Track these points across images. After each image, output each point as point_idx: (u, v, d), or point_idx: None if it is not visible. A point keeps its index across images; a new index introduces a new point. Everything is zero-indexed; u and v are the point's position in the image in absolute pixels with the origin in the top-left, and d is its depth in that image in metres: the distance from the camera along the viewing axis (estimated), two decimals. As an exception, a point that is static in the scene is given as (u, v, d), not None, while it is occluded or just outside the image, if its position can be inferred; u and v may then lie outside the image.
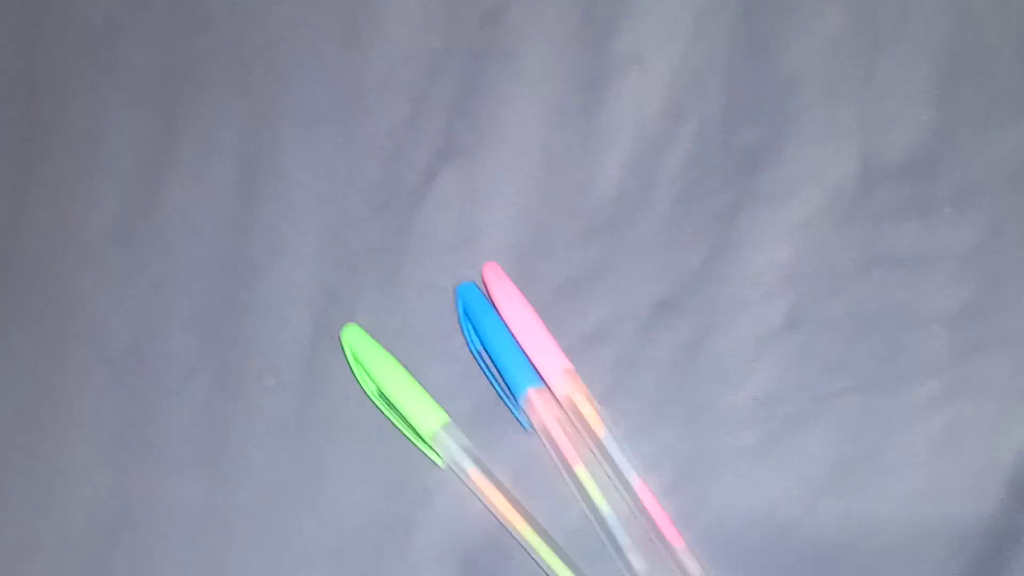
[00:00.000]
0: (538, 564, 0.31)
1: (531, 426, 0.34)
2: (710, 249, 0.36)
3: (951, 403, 0.32)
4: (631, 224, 0.37)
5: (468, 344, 0.35)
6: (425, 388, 0.34)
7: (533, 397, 0.33)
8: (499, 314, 0.35)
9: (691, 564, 0.30)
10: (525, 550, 0.32)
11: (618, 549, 0.31)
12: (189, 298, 0.37)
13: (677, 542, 0.31)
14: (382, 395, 0.34)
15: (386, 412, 0.34)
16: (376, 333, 0.35)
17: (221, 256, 0.37)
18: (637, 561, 0.30)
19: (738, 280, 0.35)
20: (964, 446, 0.32)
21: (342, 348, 0.35)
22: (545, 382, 0.34)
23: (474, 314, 0.35)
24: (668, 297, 0.35)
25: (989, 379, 0.32)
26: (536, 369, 0.34)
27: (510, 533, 0.32)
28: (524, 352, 0.34)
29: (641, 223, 0.37)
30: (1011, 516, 0.30)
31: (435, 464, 0.33)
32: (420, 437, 0.33)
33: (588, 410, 0.33)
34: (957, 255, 0.34)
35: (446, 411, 0.33)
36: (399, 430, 0.34)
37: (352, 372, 0.35)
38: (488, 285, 0.35)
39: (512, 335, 0.34)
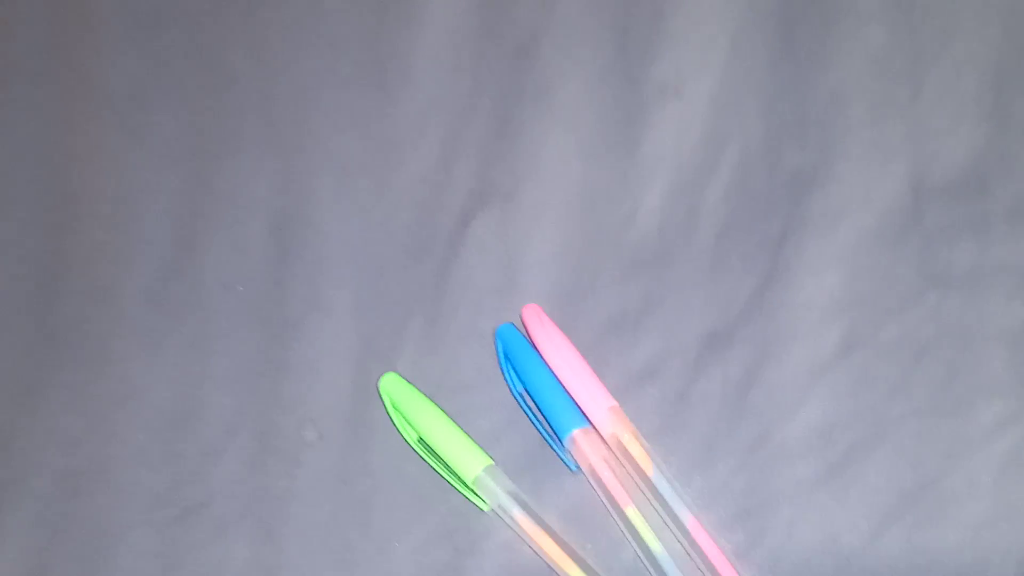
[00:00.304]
0: None
1: (578, 468, 0.37)
2: (759, 279, 0.39)
3: (1014, 425, 0.35)
4: (675, 257, 0.40)
5: (510, 387, 0.39)
6: (469, 435, 0.37)
7: (579, 438, 0.37)
8: (541, 355, 0.38)
9: None
10: None
11: (672, 590, 0.34)
12: (227, 356, 0.41)
13: (734, 580, 0.34)
14: (423, 442, 0.38)
15: (428, 459, 0.38)
16: (417, 382, 0.38)
17: (257, 313, 0.41)
18: (692, 601, 0.34)
19: (789, 309, 0.38)
20: None
21: (380, 397, 0.39)
22: (591, 422, 0.37)
23: (515, 356, 0.39)
24: (717, 330, 0.39)
25: None
26: (581, 409, 0.37)
27: (560, 578, 0.35)
28: (568, 392, 0.38)
29: (686, 255, 0.40)
30: None
31: (481, 510, 0.37)
32: (463, 483, 0.37)
33: (636, 448, 0.36)
34: (1014, 272, 0.37)
35: (492, 457, 0.38)
36: (443, 477, 0.37)
37: (392, 421, 0.39)
38: (528, 326, 0.39)
39: (555, 376, 0.38)
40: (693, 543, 0.34)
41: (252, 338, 0.41)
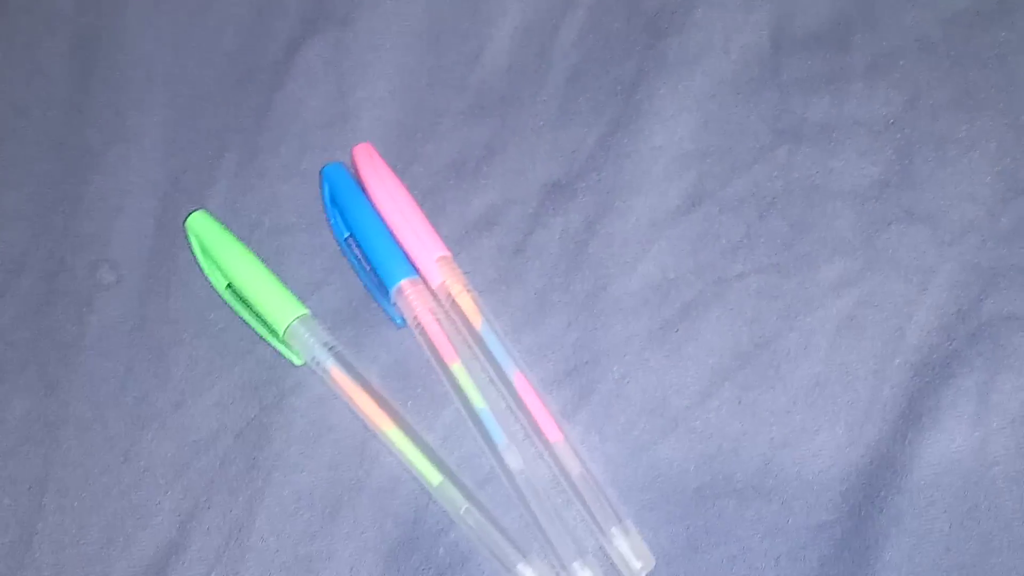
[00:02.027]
0: (406, 468, 0.33)
1: (404, 322, 0.35)
2: (607, 126, 0.37)
3: (855, 285, 0.34)
4: (523, 100, 0.38)
5: (334, 232, 0.36)
6: (286, 283, 0.35)
7: (405, 288, 0.34)
8: (370, 199, 0.36)
9: (569, 459, 0.32)
10: (392, 453, 0.33)
11: (493, 447, 0.32)
12: (15, 188, 0.37)
13: (555, 437, 0.32)
14: (231, 288, 0.35)
15: (236, 308, 0.35)
16: (229, 223, 0.35)
17: (53, 140, 0.38)
18: (512, 459, 0.32)
19: (636, 159, 0.36)
20: (867, 329, 0.33)
21: (187, 238, 0.36)
22: (420, 273, 0.35)
23: (342, 199, 0.36)
24: (560, 179, 0.37)
25: (895, 258, 0.34)
26: (410, 259, 0.35)
27: (376, 436, 0.33)
28: (397, 240, 0.35)
29: (534, 99, 0.38)
30: (914, 400, 0.32)
31: (293, 364, 0.34)
32: (275, 334, 0.34)
33: (465, 301, 0.34)
34: (867, 129, 0.36)
35: (309, 307, 0.34)
36: (252, 328, 0.35)
37: (198, 264, 0.35)
38: (359, 167, 0.36)
39: (384, 222, 0.36)
40: (518, 400, 0.33)
41: (45, 169, 0.37)
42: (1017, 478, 0.31)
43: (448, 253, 0.35)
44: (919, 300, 0.34)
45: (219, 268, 0.35)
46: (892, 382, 0.33)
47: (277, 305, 0.34)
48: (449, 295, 0.34)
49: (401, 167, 0.37)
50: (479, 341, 0.34)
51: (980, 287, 0.34)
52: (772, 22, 0.38)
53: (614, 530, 0.31)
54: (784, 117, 0.37)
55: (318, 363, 0.33)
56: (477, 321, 0.34)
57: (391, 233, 0.35)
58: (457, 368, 0.34)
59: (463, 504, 0.31)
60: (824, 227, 0.35)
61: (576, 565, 0.31)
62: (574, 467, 0.32)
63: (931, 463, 0.31)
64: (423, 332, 0.34)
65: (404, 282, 0.35)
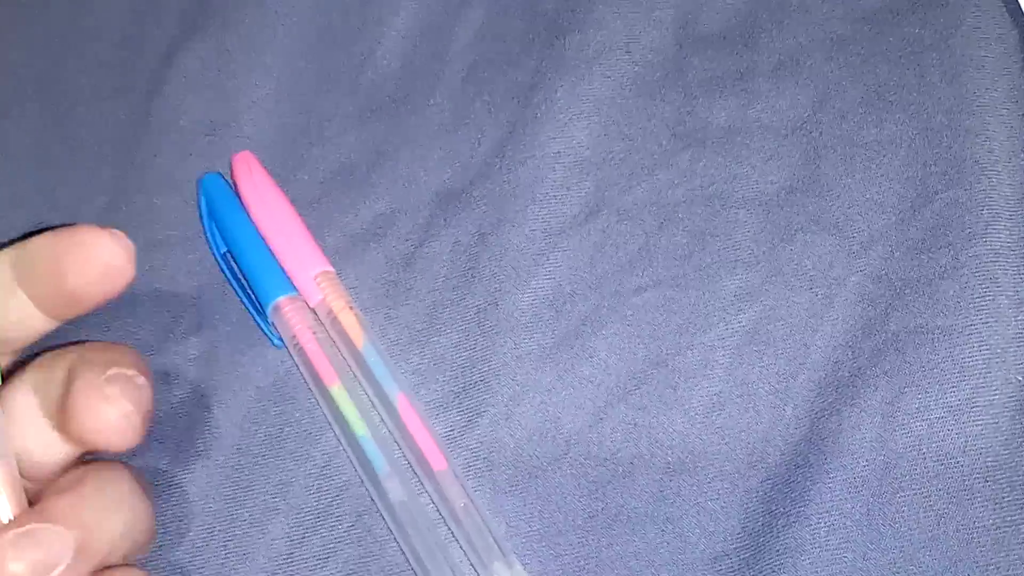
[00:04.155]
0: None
1: (283, 342, 0.33)
2: (503, 130, 0.35)
3: (758, 298, 0.32)
4: (416, 103, 0.36)
5: (211, 247, 0.34)
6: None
7: (283, 306, 0.32)
8: (248, 212, 0.34)
9: (453, 489, 0.30)
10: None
11: (373, 477, 0.30)
12: None
13: (440, 465, 0.30)
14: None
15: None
16: None
17: None
18: (393, 490, 0.30)
19: (532, 166, 0.34)
20: (769, 345, 0.32)
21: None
22: (299, 290, 0.33)
23: (219, 212, 0.34)
24: (453, 187, 0.35)
25: (801, 269, 0.32)
26: (289, 275, 0.33)
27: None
28: (276, 256, 0.33)
29: (427, 101, 0.36)
30: (817, 421, 0.31)
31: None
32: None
33: (347, 318, 0.32)
34: (774, 133, 0.34)
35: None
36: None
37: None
38: (236, 178, 0.34)
39: (263, 236, 0.34)
40: (401, 425, 0.31)
41: None
42: (923, 504, 0.29)
43: (331, 268, 0.33)
44: (824, 314, 0.32)
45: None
46: (795, 402, 0.31)
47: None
48: (330, 312, 0.32)
49: (285, 175, 0.35)
50: (360, 361, 0.32)
51: (888, 300, 0.32)
52: (677, 19, 0.36)
53: (497, 565, 0.29)
54: (687, 121, 0.35)
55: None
56: (359, 339, 0.32)
57: (268, 248, 0.33)
58: (337, 391, 0.31)
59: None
60: (726, 237, 0.33)
61: (458, 603, 0.29)
62: (458, 498, 0.30)
63: (832, 490, 0.30)
64: (301, 352, 0.32)
65: (282, 299, 0.32)
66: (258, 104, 0.36)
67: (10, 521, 0.26)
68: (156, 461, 0.32)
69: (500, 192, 0.34)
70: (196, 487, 0.31)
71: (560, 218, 0.34)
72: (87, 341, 0.29)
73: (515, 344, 0.32)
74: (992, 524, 0.29)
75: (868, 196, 0.33)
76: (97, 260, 0.27)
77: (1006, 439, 0.30)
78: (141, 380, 0.27)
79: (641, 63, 0.36)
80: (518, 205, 0.34)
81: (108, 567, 0.27)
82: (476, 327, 0.33)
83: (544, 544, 0.30)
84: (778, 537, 0.29)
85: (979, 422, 0.30)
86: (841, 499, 0.29)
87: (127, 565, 0.28)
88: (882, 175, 0.34)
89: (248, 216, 0.34)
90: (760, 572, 0.29)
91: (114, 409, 0.26)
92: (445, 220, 0.34)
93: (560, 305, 0.33)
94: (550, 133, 0.35)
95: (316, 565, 0.30)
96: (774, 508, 0.30)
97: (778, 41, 0.36)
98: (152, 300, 0.34)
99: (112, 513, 0.27)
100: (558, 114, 0.35)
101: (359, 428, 0.31)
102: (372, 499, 0.30)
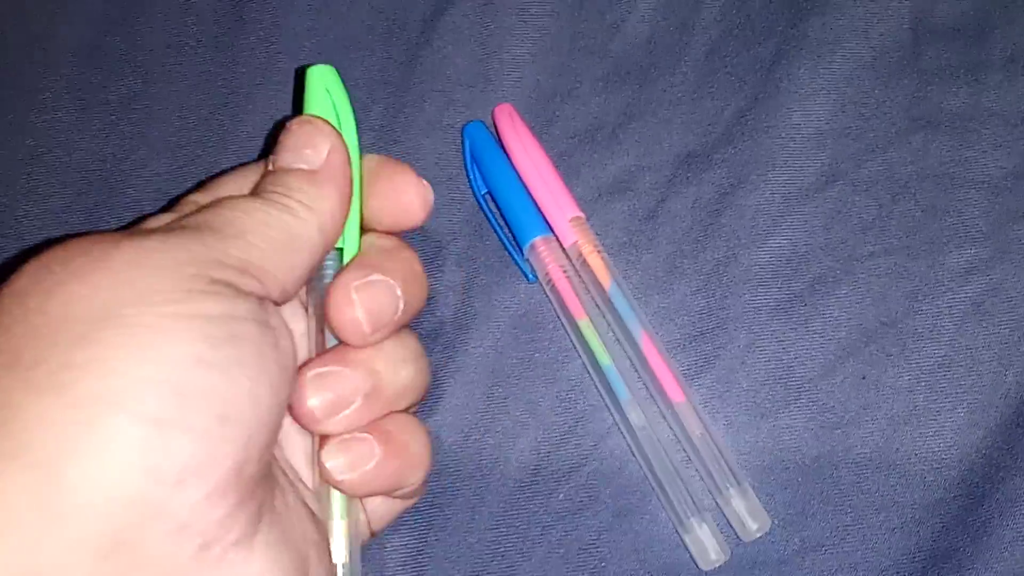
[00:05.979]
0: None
1: (535, 277, 0.36)
2: (745, 101, 0.38)
3: (984, 273, 0.35)
4: (662, 71, 0.39)
5: (472, 188, 0.38)
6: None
7: (539, 245, 0.36)
8: (509, 158, 0.37)
9: (691, 420, 0.33)
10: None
11: (616, 403, 0.34)
12: (164, 122, 0.38)
13: (678, 397, 0.33)
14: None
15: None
16: None
17: (204, 80, 0.39)
18: (634, 415, 0.33)
19: (772, 135, 0.37)
20: (993, 316, 0.34)
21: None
22: (554, 232, 0.37)
23: (481, 157, 0.38)
24: (695, 149, 0.38)
25: None
26: (545, 217, 0.37)
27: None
28: (533, 199, 0.37)
29: (673, 70, 0.39)
30: None
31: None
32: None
33: (596, 261, 0.35)
34: (1003, 120, 0.37)
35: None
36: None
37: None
38: (499, 126, 0.38)
39: (521, 181, 0.37)
40: (643, 360, 0.34)
41: (192, 114, 0.38)
42: None
43: (581, 214, 0.36)
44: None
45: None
46: (1016, 368, 0.34)
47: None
48: (580, 255, 0.36)
49: (539, 129, 0.38)
50: (607, 301, 0.35)
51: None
52: (912, 11, 0.39)
53: (732, 491, 0.32)
54: (921, 104, 0.37)
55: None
56: (606, 281, 0.35)
57: (527, 192, 0.37)
58: (584, 324, 0.35)
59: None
60: (955, 214, 0.36)
61: (693, 522, 0.32)
62: (695, 427, 0.33)
63: (1052, 449, 0.32)
64: (553, 288, 0.36)
65: (537, 239, 0.36)
66: (516, 63, 0.39)
67: (312, 360, 0.30)
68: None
69: (741, 157, 0.37)
70: (455, 400, 0.35)
71: (798, 184, 0.37)
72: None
73: (751, 296, 0.35)
74: None
75: (1098, 187, 0.36)
76: (421, 188, 0.32)
77: None
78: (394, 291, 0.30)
79: (878, 48, 0.38)
80: (759, 170, 0.37)
81: (392, 412, 0.30)
82: (715, 279, 0.36)
83: (773, 478, 0.33)
84: (998, 488, 0.32)
85: None
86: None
87: (408, 413, 0.31)
88: (1110, 168, 0.36)
89: (508, 162, 0.37)
90: (980, 518, 0.32)
91: (351, 311, 0.29)
92: (688, 179, 0.37)
93: (795, 264, 0.36)
94: (791, 106, 0.37)
95: (561, 478, 0.34)
96: (993, 462, 0.32)
97: (1008, 36, 0.38)
98: (418, 231, 0.37)
99: (402, 366, 0.30)
100: (799, 88, 0.38)
101: (604, 358, 0.34)
102: (615, 423, 0.34)
